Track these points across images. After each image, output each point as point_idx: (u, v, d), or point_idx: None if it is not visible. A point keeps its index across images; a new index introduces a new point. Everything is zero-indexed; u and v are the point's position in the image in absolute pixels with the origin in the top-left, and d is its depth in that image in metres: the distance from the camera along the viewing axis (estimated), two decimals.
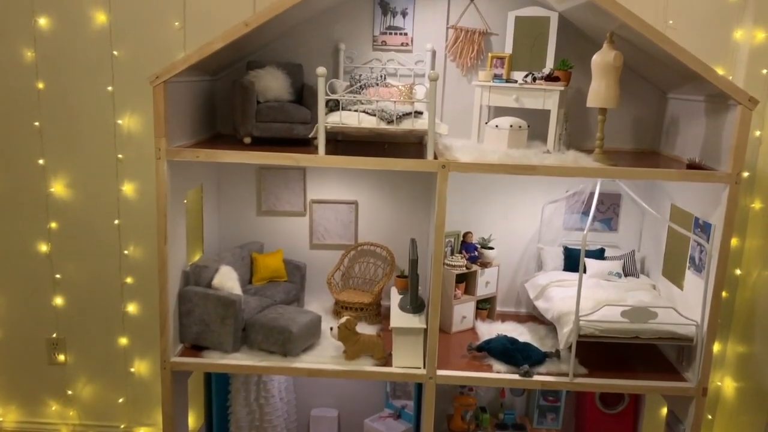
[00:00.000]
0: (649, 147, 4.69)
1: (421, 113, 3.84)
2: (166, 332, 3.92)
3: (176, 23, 4.68)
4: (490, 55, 4.50)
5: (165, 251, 3.83)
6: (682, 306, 4.11)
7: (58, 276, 5.13)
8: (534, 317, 4.77)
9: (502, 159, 3.77)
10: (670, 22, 4.54)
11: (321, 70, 3.60)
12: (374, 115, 3.79)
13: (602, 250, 4.72)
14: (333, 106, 3.93)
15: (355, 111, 3.83)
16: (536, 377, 3.94)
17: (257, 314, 4.13)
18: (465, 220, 4.81)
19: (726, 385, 5.14)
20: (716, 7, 4.55)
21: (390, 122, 3.76)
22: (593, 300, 4.04)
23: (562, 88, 4.15)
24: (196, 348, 4.12)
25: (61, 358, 5.30)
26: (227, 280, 4.11)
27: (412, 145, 4.48)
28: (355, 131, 3.87)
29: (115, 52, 4.76)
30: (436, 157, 3.75)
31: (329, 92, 3.70)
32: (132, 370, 5.31)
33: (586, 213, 4.64)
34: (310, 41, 4.64)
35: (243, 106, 4.17)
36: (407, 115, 3.79)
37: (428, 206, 4.57)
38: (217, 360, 3.98)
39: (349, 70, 4.63)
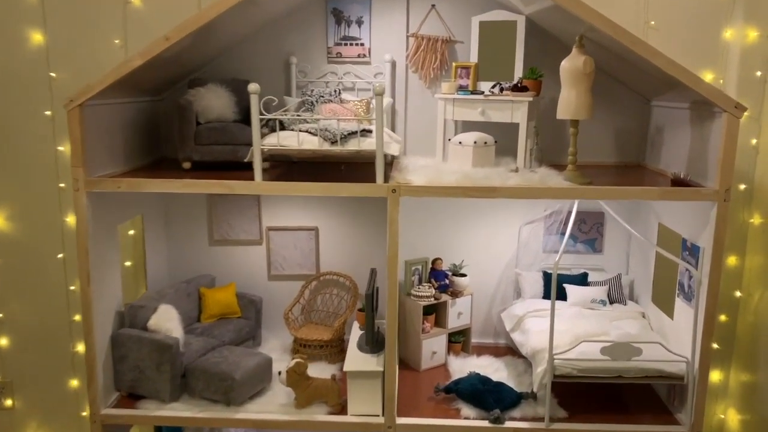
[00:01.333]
0: (634, 160, 4.26)
1: (369, 132, 3.45)
2: (95, 382, 3.54)
3: (116, 41, 4.33)
4: (454, 64, 4.11)
5: (88, 293, 3.45)
6: (672, 337, 3.68)
7: (0, 315, 4.77)
8: (512, 350, 4.34)
9: (459, 181, 3.37)
10: (652, 22, 4.12)
11: (253, 86, 3.23)
12: (317, 135, 3.40)
13: (585, 275, 4.29)
14: (274, 126, 3.55)
15: (298, 131, 3.44)
16: (509, 423, 3.51)
17: (199, 358, 3.73)
18: (434, 246, 4.40)
19: (730, 418, 4.67)
20: (703, 4, 4.13)
21: (334, 143, 3.37)
22: (571, 334, 3.62)
23: (531, 99, 3.74)
24: (133, 397, 3.73)
25: (8, 402, 4.92)
26: (165, 321, 3.72)
27: (372, 165, 4.08)
28: (297, 153, 3.48)
29: (52, 74, 4.41)
30: (387, 180, 3.36)
31: (264, 111, 3.32)
32: (84, 414, 4.92)
33: (565, 233, 4.22)
34: (258, 55, 4.28)
35: (180, 129, 3.81)
36: (353, 134, 3.39)
37: None
38: (153, 411, 3.59)
39: (303, 85, 4.26)
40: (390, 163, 3.91)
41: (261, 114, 3.30)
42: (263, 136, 3.47)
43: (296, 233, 4.47)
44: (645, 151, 4.21)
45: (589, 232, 4.37)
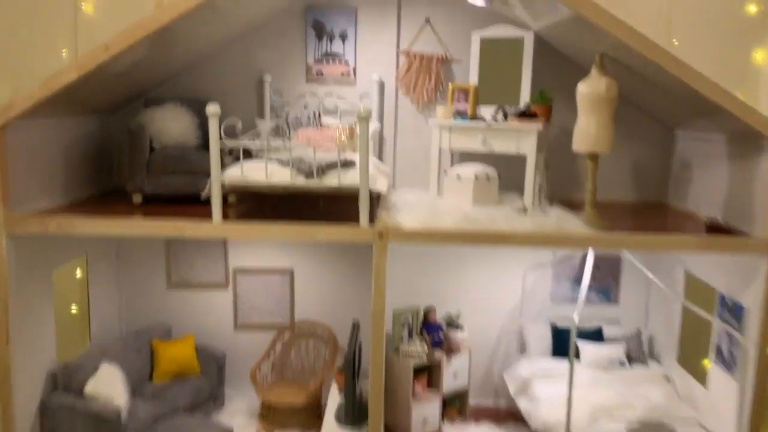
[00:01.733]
0: (655, 197, 3.74)
1: (352, 163, 2.89)
2: None
3: (64, 51, 3.76)
4: (451, 86, 3.58)
5: (7, 353, 2.83)
6: (706, 410, 3.12)
7: None
8: (515, 415, 3.75)
9: (459, 223, 2.81)
10: (675, 41, 3.63)
11: (212, 107, 2.68)
12: (290, 166, 2.84)
13: (599, 330, 3.73)
14: (240, 154, 2.99)
15: (267, 160, 2.87)
16: None
17: (147, 431, 3.12)
18: (426, 292, 3.83)
19: None
20: (731, 22, 3.64)
21: (309, 176, 2.82)
22: (589, 405, 3.06)
23: (541, 128, 3.22)
24: None
25: None
26: (106, 384, 3.11)
27: (356, 199, 3.52)
28: (265, 188, 2.91)
29: None
30: (372, 221, 2.80)
31: (225, 136, 2.76)
32: None
33: (579, 281, 3.68)
34: (227, 73, 3.73)
35: (131, 156, 3.26)
36: (332, 166, 2.84)
37: None
38: None
39: (278, 106, 3.72)
40: (377, 197, 3.35)
41: (222, 140, 2.73)
42: (226, 166, 2.92)
43: (268, 276, 3.89)
44: (668, 188, 3.70)
45: (603, 279, 3.83)
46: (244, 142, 2.84)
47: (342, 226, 2.77)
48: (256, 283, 3.90)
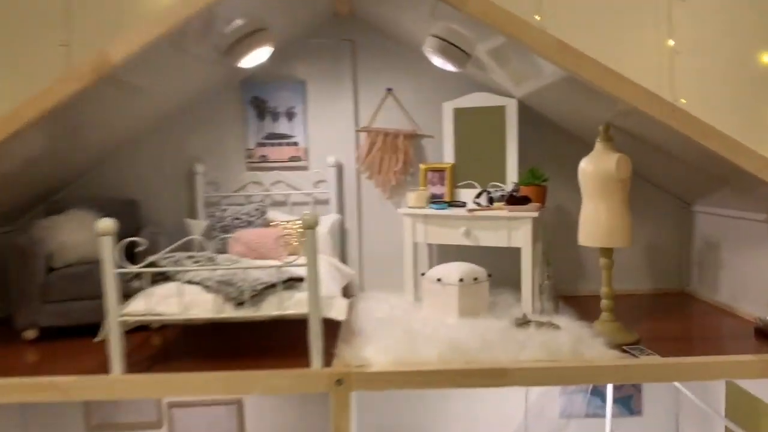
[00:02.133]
0: (675, 285, 3.14)
1: (300, 280, 2.21)
2: None
3: None
4: (422, 167, 2.98)
5: None
6: None
7: None
8: None
9: (444, 355, 2.12)
10: (683, 100, 3.08)
11: (104, 224, 2.01)
12: (215, 291, 2.15)
13: None
14: (155, 276, 2.30)
15: (182, 283, 2.18)
16: None
17: None
18: (410, 421, 3.12)
19: None
20: (745, 75, 3.13)
21: (240, 303, 2.12)
22: None
23: (536, 214, 2.60)
24: None
25: None
26: None
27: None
28: (183, 322, 2.21)
29: None
30: (329, 362, 2.10)
31: (124, 261, 2.08)
32: None
33: (595, 392, 3.02)
34: (151, 164, 3.13)
35: (20, 281, 2.56)
36: (271, 287, 2.15)
37: None
38: None
39: (215, 201, 3.07)
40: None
41: (120, 266, 2.05)
42: (134, 292, 2.22)
43: (211, 409, 3.20)
44: (690, 274, 3.08)
45: (623, 387, 3.15)
46: (139, 269, 2.14)
47: (288, 371, 2.06)
48: (197, 419, 3.18)
